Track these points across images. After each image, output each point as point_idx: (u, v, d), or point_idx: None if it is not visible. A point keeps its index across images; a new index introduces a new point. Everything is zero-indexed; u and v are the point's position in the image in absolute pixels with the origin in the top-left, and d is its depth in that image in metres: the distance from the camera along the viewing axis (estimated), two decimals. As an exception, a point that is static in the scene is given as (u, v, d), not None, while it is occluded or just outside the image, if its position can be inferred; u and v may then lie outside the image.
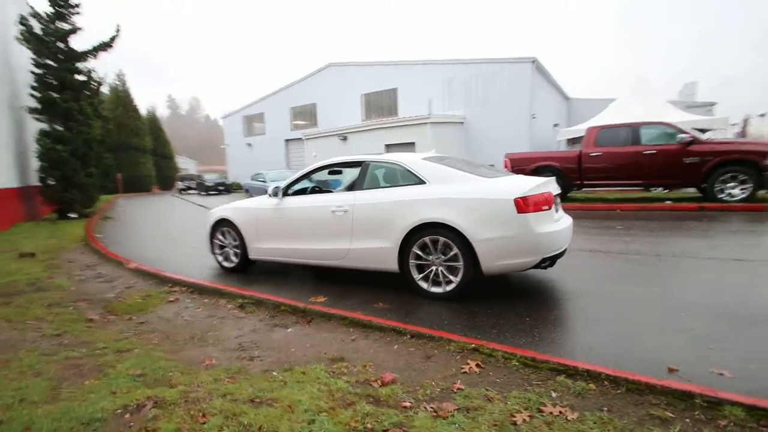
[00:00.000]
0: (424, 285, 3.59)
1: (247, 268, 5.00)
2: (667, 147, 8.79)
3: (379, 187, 4.03)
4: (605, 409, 1.77)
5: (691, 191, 9.68)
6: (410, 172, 3.79)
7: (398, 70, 21.47)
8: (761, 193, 8.13)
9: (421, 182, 3.68)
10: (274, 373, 2.26)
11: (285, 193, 4.55)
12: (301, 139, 23.16)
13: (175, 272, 5.00)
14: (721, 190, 8.18)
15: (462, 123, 19.17)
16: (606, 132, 9.86)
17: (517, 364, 2.20)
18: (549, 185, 3.59)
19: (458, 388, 2.01)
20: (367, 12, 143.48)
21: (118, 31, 11.36)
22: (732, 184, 8.09)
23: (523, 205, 3.19)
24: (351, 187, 4.82)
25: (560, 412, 1.75)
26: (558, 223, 3.51)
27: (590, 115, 19.70)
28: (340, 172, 4.97)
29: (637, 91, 17.43)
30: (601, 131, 9.93)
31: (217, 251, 5.17)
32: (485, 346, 2.37)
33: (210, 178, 26.51)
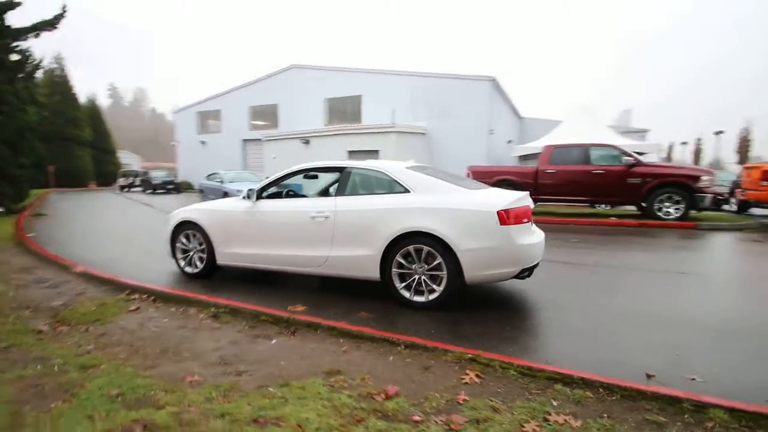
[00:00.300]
0: (406, 294, 3.59)
1: (212, 275, 4.72)
2: (612, 168, 9.58)
3: (361, 193, 4.00)
4: (605, 415, 1.88)
5: (631, 209, 10.59)
6: (394, 180, 3.81)
7: (363, 77, 21.56)
8: (693, 213, 9.08)
9: (406, 191, 3.70)
10: (271, 390, 2.14)
11: (259, 196, 4.37)
12: (260, 140, 22.44)
13: (128, 277, 4.60)
14: (659, 209, 9.05)
15: (424, 134, 19.60)
16: (560, 151, 10.55)
17: (515, 373, 2.26)
18: (527, 199, 3.77)
19: (463, 400, 2.02)
20: (331, 16, 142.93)
21: (64, 10, 10.37)
22: (668, 203, 8.98)
23: (506, 217, 3.32)
24: (326, 193, 4.74)
25: (565, 420, 1.83)
26: (534, 236, 3.69)
27: (540, 134, 21.06)
28: (316, 177, 4.87)
29: (582, 115, 18.84)
30: (556, 150, 10.62)
31: (180, 255, 4.83)
32: (482, 356, 2.42)
33: (157, 176, 24.79)
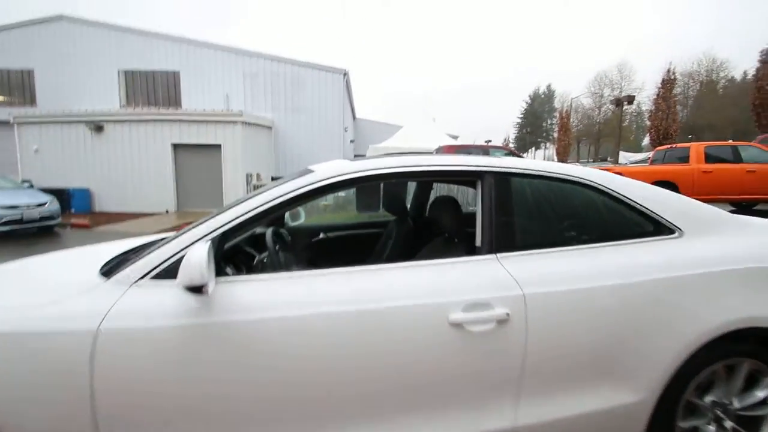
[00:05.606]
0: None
1: None
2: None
3: (549, 242, 1.64)
4: None
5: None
6: (630, 204, 1.65)
7: (181, 49, 16.53)
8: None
9: (667, 230, 1.62)
10: None
11: (217, 270, 1.35)
12: (5, 122, 14.28)
13: None
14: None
15: (270, 128, 16.42)
16: (461, 152, 10.23)
17: None
18: None
19: None
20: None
21: None
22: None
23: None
24: (413, 245, 2.13)
25: None
26: None
27: (379, 136, 21.01)
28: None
29: (422, 120, 19.45)
30: (457, 151, 10.24)
31: None
32: None
33: None
